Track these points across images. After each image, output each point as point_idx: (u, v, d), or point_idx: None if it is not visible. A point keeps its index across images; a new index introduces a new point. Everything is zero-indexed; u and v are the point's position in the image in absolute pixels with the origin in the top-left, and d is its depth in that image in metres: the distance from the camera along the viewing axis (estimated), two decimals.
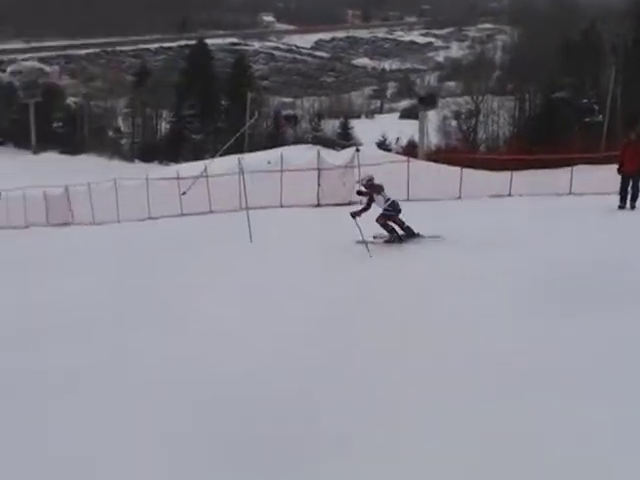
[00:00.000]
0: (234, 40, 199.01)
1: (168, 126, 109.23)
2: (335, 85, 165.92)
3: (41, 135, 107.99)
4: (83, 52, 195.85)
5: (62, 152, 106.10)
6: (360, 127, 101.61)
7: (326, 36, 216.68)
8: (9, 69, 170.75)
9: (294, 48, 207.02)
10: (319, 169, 33.16)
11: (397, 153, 60.09)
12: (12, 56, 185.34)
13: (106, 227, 35.20)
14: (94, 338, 10.32)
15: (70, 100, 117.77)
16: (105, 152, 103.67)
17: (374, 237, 17.91)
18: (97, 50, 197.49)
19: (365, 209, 17.61)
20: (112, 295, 13.83)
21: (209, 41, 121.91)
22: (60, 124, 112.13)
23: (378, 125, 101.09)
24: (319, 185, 32.82)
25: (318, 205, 31.97)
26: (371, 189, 17.73)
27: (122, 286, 14.89)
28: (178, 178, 34.84)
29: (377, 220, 17.65)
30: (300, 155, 40.25)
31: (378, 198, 17.60)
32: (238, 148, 45.64)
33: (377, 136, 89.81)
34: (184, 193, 28.11)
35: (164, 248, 22.00)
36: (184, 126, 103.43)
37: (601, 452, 5.57)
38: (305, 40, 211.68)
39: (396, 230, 17.76)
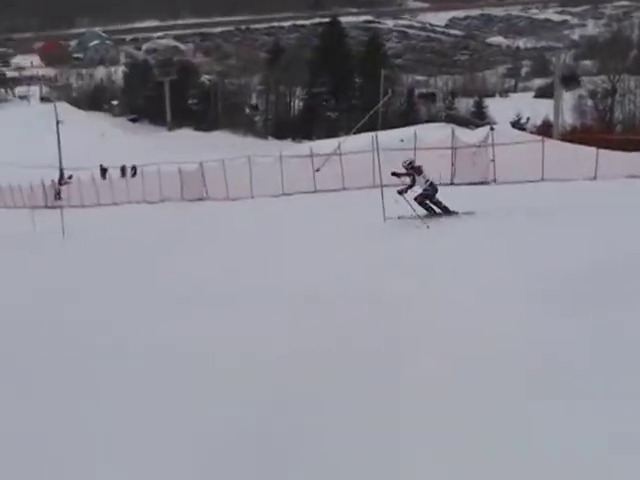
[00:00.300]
0: (368, 18, 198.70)
1: (301, 103, 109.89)
2: (469, 63, 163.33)
3: (176, 112, 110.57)
4: (218, 30, 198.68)
5: (196, 129, 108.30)
6: (494, 106, 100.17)
7: (460, 14, 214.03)
8: (144, 47, 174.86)
9: (428, 26, 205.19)
10: (453, 147, 32.90)
11: (531, 133, 58.95)
12: (147, 34, 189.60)
13: (240, 203, 35.84)
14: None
15: (204, 78, 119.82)
16: (239, 129, 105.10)
17: (399, 217, 19.17)
18: (231, 28, 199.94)
19: (410, 186, 18.89)
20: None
21: (343, 19, 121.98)
22: (195, 101, 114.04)
23: (512, 104, 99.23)
24: (453, 164, 32.59)
25: (452, 184, 31.70)
26: (412, 170, 19.03)
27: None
28: (312, 155, 35.10)
29: (415, 199, 18.92)
30: (433, 133, 39.94)
31: (419, 179, 18.88)
32: (371, 126, 45.57)
33: (511, 115, 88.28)
34: (318, 170, 28.37)
35: (301, 223, 22.20)
36: (318, 103, 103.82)
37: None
38: (439, 18, 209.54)
39: (433, 208, 19.05)
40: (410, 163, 19.33)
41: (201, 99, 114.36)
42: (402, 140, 38.05)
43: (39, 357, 8.36)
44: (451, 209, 18.99)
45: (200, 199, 40.19)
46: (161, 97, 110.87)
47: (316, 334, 8.44)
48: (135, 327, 9.51)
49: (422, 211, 18.95)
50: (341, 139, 32.95)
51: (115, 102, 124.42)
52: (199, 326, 9.21)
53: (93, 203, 47.78)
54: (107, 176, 55.99)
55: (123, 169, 58.16)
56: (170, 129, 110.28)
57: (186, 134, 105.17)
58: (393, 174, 19.61)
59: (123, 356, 8.28)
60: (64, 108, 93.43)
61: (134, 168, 55.38)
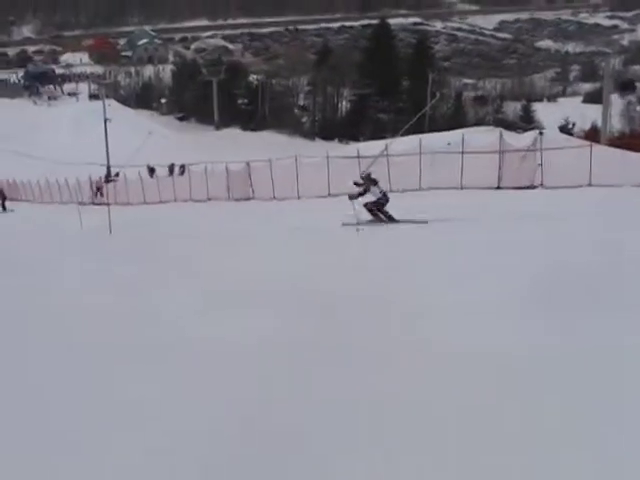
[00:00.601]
0: (416, 20, 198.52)
1: (348, 105, 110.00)
2: (517, 67, 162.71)
3: (223, 111, 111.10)
4: (267, 30, 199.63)
5: (244, 128, 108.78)
6: (542, 110, 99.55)
7: (509, 17, 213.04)
8: (193, 46, 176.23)
9: (477, 29, 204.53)
10: (501, 151, 32.73)
11: (578, 137, 58.47)
12: (196, 34, 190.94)
13: (286, 203, 35.98)
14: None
15: (252, 78, 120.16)
16: (286, 129, 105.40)
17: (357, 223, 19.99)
18: (280, 29, 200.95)
19: (361, 194, 20.72)
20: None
21: (391, 21, 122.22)
22: (243, 101, 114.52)
23: (560, 109, 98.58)
24: (500, 168, 32.41)
25: (498, 188, 31.57)
26: (369, 181, 20.88)
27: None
28: (358, 157, 35.10)
29: (365, 205, 20.68)
30: (481, 137, 39.73)
31: (374, 189, 20.68)
32: (419, 128, 45.60)
33: (559, 120, 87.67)
34: (364, 172, 28.35)
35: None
36: (365, 105, 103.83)
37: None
38: (488, 21, 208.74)
39: (379, 216, 20.59)
40: (368, 175, 21.27)
41: (249, 99, 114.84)
42: (449, 143, 37.93)
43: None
44: (396, 218, 20.37)
45: (247, 198, 40.38)
46: (209, 96, 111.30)
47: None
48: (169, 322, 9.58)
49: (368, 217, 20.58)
50: (389, 141, 32.80)
51: (163, 100, 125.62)
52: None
53: (139, 201, 48.23)
54: (155, 175, 56.52)
55: (171, 168, 58.66)
56: (217, 128, 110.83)
57: (233, 133, 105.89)
58: (355, 184, 21.61)
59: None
60: (112, 106, 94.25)
61: (182, 167, 55.77)
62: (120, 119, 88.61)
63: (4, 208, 48.71)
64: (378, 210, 20.71)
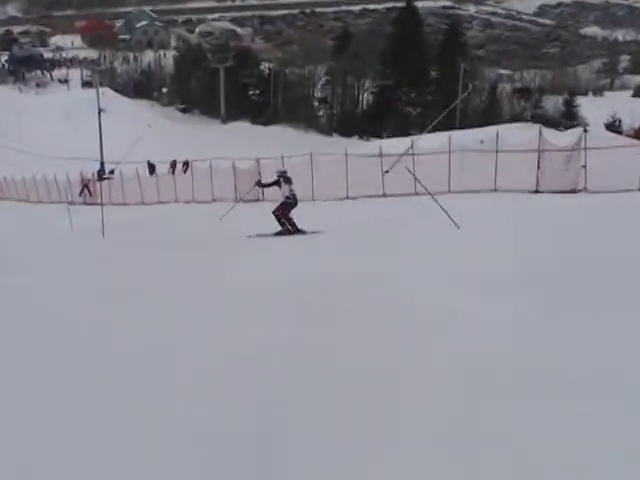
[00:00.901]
0: (446, 3, 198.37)
1: (370, 97, 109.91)
2: (559, 57, 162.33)
3: (231, 103, 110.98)
4: (279, 13, 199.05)
5: (253, 122, 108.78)
6: (586, 105, 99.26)
7: (551, 1, 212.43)
8: (198, 30, 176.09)
9: (514, 14, 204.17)
10: (540, 150, 32.61)
11: (627, 136, 58.30)
12: (202, 15, 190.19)
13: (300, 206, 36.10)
14: None
15: (264, 66, 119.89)
16: (300, 124, 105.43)
17: (257, 234, 22.06)
18: (295, 11, 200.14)
19: (271, 185, 23.70)
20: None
21: (419, 3, 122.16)
22: (255, 92, 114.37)
23: (607, 103, 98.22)
24: (539, 169, 32.30)
25: (537, 191, 31.49)
26: (282, 179, 22.90)
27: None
28: (381, 155, 35.13)
29: (274, 211, 22.56)
30: (518, 134, 39.65)
31: (284, 187, 22.70)
32: (448, 124, 45.63)
33: (606, 116, 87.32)
34: (387, 172, 28.31)
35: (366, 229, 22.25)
36: (389, 98, 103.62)
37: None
38: (527, 5, 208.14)
39: (287, 225, 22.30)
40: (283, 172, 23.65)
41: (260, 89, 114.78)
42: (482, 141, 37.95)
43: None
44: (300, 228, 22.27)
45: (256, 200, 40.42)
46: (215, 86, 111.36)
47: None
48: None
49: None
50: (415, 138, 32.80)
51: (164, 90, 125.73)
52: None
53: (137, 201, 48.42)
54: (154, 173, 56.64)
55: (174, 164, 58.61)
56: (224, 122, 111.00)
57: (242, 127, 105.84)
58: (259, 184, 25.24)
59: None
60: (107, 95, 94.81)
61: (186, 163, 55.73)
62: (116, 110, 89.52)
63: None
64: (286, 218, 22.38)
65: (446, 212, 19.26)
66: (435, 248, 16.09)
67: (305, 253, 17.79)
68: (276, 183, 23.27)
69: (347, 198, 36.05)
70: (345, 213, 30.46)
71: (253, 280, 13.24)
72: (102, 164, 67.63)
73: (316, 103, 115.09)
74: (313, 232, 21.99)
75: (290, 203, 22.59)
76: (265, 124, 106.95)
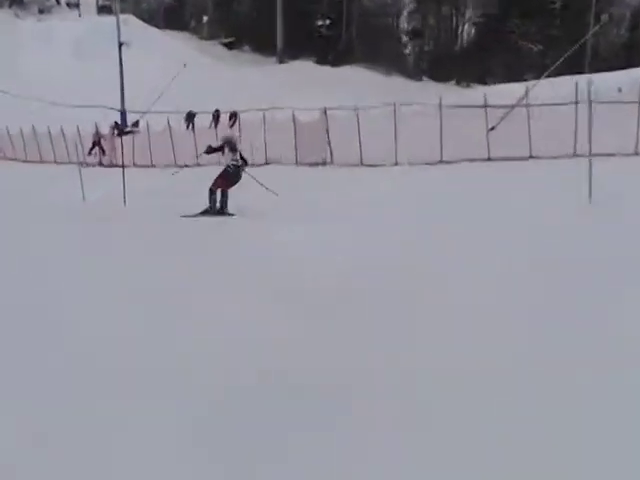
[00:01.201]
0: None
1: (472, 30, 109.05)
2: None
3: (291, 37, 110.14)
4: None
5: (319, 62, 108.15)
6: None
7: None
8: None
9: None
10: None
11: None
12: None
13: (379, 171, 36.09)
14: None
15: None
16: (381, 64, 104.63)
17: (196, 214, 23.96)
18: None
19: (214, 150, 25.26)
20: None
21: None
22: (324, 21, 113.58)
23: None
24: None
25: None
26: (227, 145, 24.89)
27: None
28: (485, 106, 35.01)
29: (212, 185, 24.52)
30: None
31: (227, 155, 24.78)
32: (575, 66, 45.23)
33: None
34: (492, 128, 28.30)
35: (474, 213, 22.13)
36: (497, 31, 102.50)
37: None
38: None
39: (216, 203, 24.39)
40: (229, 139, 25.60)
41: (329, 18, 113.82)
42: (620, 89, 37.62)
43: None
44: (226, 210, 24.31)
45: (322, 163, 40.44)
46: (270, 14, 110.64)
47: None
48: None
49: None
50: (530, 84, 32.59)
51: (204, 19, 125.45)
52: None
53: (168, 162, 48.26)
54: (192, 125, 56.77)
55: (217, 115, 58.74)
56: (281, 60, 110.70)
57: (304, 68, 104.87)
58: (208, 150, 25.66)
59: None
60: (130, 24, 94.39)
61: (234, 115, 55.74)
62: (141, 44, 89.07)
63: None
64: (214, 194, 24.43)
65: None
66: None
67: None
68: (220, 149, 25.11)
69: (441, 162, 35.91)
70: (434, 181, 30.19)
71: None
72: (123, 114, 67.80)
73: (401, 37, 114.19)
74: (231, 214, 24.08)
75: (230, 174, 24.55)
76: (334, 64, 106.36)
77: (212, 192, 24.35)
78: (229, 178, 24.49)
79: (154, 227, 21.25)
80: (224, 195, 24.49)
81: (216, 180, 24.51)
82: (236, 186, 24.62)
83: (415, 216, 20.10)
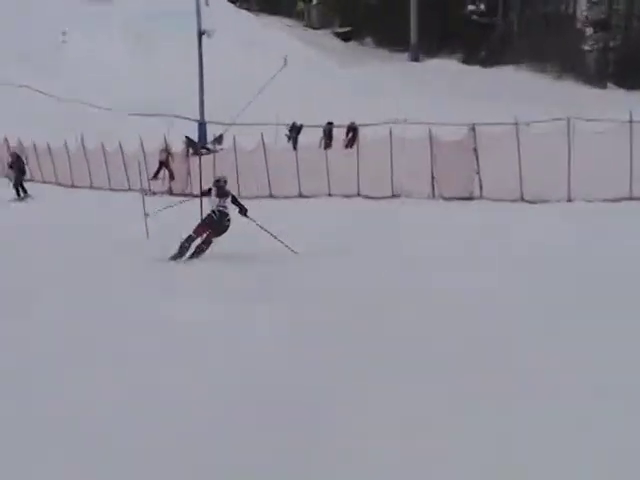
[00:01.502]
0: None
1: None
2: None
3: (428, 27, 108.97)
4: None
5: (466, 60, 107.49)
6: None
7: None
8: None
9: None
10: None
11: None
12: None
13: (546, 208, 36.00)
14: None
15: None
16: (547, 65, 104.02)
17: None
18: None
19: (203, 194, 29.00)
20: None
21: None
22: (478, 6, 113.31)
23: None
24: None
25: None
26: (215, 187, 27.97)
27: None
28: None
29: (195, 230, 27.12)
30: None
31: (214, 199, 27.73)
32: None
33: None
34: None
35: None
36: None
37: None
38: None
39: (187, 250, 27.04)
40: (218, 180, 28.31)
41: (482, 3, 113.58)
42: None
43: None
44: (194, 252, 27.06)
45: (468, 197, 40.25)
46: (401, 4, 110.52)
47: None
48: None
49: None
50: None
51: (313, 1, 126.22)
52: None
53: (260, 191, 48.28)
54: (295, 142, 56.62)
55: (328, 130, 58.31)
56: (415, 58, 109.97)
57: (445, 69, 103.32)
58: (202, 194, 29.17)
59: None
60: (214, 5, 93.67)
61: (352, 130, 55.62)
62: (227, 32, 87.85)
63: (23, 191, 50.57)
64: (189, 239, 27.01)
65: None
66: None
67: None
68: (208, 193, 28.34)
69: (630, 198, 35.65)
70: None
71: None
72: (202, 125, 67.18)
73: (580, 29, 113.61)
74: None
75: (213, 221, 27.35)
76: (486, 64, 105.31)
77: (190, 239, 27.02)
78: (212, 226, 27.11)
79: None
80: (205, 243, 27.14)
81: (197, 226, 27.10)
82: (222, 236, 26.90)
83: None
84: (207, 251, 27.13)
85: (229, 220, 27.27)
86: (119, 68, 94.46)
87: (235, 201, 27.66)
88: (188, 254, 26.80)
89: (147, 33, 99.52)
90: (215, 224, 26.77)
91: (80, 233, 34.12)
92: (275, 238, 26.68)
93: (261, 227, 26.89)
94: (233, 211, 28.03)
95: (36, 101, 79.60)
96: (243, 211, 27.64)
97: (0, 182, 54.50)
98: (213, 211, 27.11)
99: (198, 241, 27.17)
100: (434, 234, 29.70)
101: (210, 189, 27.57)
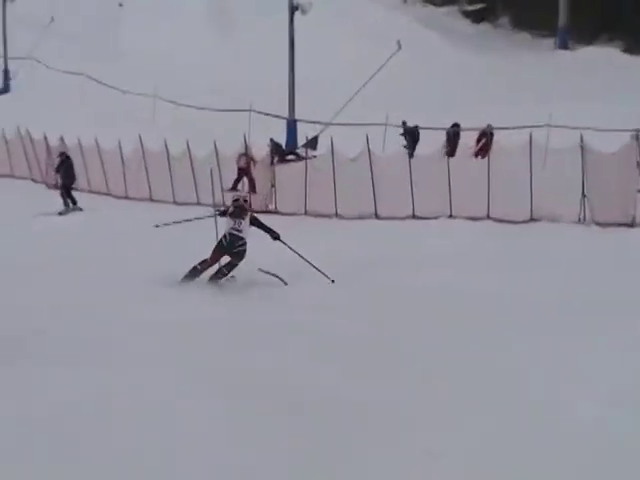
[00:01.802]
0: None
1: None
2: None
3: (580, 9, 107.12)
4: None
5: (627, 49, 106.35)
6: None
7: None
8: None
9: None
10: None
11: None
12: None
13: None
14: None
15: None
16: None
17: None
18: None
19: (222, 213, 31.00)
20: None
21: None
22: None
23: None
24: None
25: None
26: (238, 207, 30.03)
27: None
28: None
29: (211, 257, 29.50)
30: None
31: (228, 220, 29.75)
32: None
33: None
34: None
35: None
36: None
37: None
38: None
39: (199, 271, 29.36)
40: (237, 200, 30.84)
41: None
42: None
43: None
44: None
45: (629, 224, 39.81)
46: None
47: None
48: None
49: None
50: None
51: None
52: None
53: (363, 210, 47.89)
54: (412, 148, 56.16)
55: (453, 134, 57.08)
56: (563, 45, 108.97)
57: (601, 58, 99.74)
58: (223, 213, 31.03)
59: None
60: None
61: (485, 136, 54.78)
62: (325, 9, 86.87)
63: (72, 201, 51.09)
64: (203, 263, 29.33)
65: None
66: None
67: None
68: (225, 213, 30.90)
69: None
70: None
71: None
72: (292, 125, 65.93)
73: None
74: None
75: (223, 247, 29.63)
76: None
77: (205, 263, 29.39)
78: (223, 251, 29.38)
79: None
80: (227, 266, 29.44)
81: (212, 252, 29.46)
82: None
83: None
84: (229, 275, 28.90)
85: (243, 244, 28.86)
86: (200, 57, 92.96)
87: (258, 223, 28.90)
88: (202, 276, 28.47)
89: (229, 9, 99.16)
90: (224, 250, 28.46)
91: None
92: (315, 268, 27.56)
93: (300, 255, 27.56)
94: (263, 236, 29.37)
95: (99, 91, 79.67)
96: (273, 235, 28.84)
97: (37, 189, 54.42)
98: (224, 235, 29.10)
99: (216, 266, 28.99)
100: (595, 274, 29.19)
101: (226, 210, 29.80)
